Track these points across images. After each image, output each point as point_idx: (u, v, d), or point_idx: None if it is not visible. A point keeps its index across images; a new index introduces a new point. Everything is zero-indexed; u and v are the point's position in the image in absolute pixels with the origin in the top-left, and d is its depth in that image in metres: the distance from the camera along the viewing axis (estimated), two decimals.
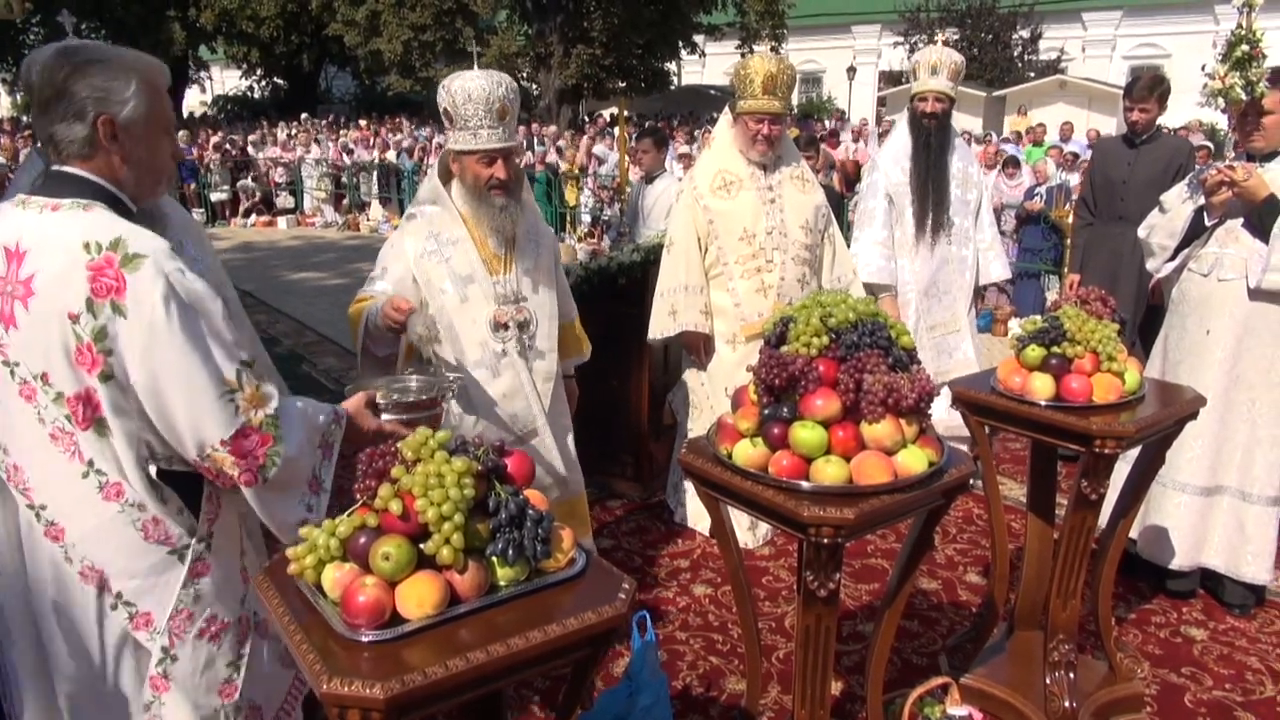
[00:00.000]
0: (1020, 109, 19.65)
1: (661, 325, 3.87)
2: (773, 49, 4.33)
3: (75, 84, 1.67)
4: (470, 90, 2.64)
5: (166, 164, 1.81)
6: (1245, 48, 3.03)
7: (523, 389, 2.94)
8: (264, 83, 33.65)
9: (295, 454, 1.74)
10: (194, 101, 36.25)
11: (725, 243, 3.79)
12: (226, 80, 37.26)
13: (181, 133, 17.64)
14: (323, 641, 1.34)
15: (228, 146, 17.13)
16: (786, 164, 3.89)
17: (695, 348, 3.90)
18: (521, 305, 2.93)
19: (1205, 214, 3.28)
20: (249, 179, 16.75)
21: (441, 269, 2.81)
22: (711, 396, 3.90)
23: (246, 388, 1.67)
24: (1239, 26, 3.05)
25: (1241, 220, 3.20)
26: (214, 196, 16.26)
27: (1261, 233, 3.13)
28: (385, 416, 1.99)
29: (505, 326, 2.89)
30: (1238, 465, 3.32)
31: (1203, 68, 3.16)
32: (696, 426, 3.97)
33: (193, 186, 16.05)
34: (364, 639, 1.33)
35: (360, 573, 1.39)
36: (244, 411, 1.67)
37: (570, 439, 3.15)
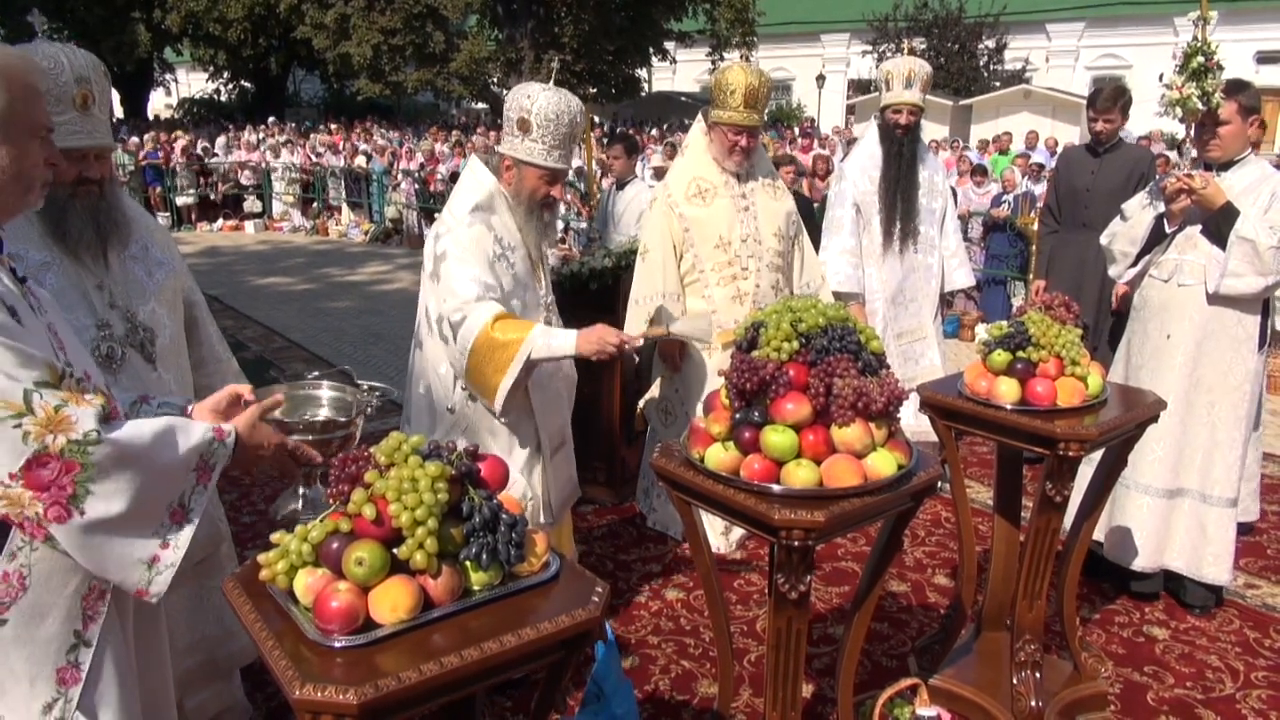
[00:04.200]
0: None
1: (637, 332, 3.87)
2: (744, 57, 4.35)
3: None
4: (558, 109, 2.69)
5: (34, 171, 1.56)
6: (1201, 59, 3.09)
7: (561, 399, 3.00)
8: (231, 86, 33.25)
9: (142, 481, 1.48)
10: (159, 104, 35.76)
11: (701, 250, 3.80)
12: (193, 83, 36.78)
13: (146, 136, 17.43)
14: (295, 647, 1.33)
15: (197, 152, 16.90)
16: (759, 172, 3.92)
17: (670, 355, 3.91)
18: (557, 316, 2.99)
19: (1165, 221, 3.35)
20: (216, 176, 16.54)
21: (508, 275, 2.78)
22: (686, 403, 3.92)
23: (39, 411, 1.42)
24: (1195, 39, 3.12)
25: (1200, 227, 3.28)
26: (180, 200, 16.05)
27: (1219, 239, 3.21)
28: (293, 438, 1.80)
29: None
30: (1198, 467, 3.39)
31: (1160, 78, 3.22)
32: (670, 433, 3.98)
33: (158, 190, 15.83)
34: (337, 644, 1.33)
35: (333, 578, 1.39)
36: (36, 438, 1.41)
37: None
